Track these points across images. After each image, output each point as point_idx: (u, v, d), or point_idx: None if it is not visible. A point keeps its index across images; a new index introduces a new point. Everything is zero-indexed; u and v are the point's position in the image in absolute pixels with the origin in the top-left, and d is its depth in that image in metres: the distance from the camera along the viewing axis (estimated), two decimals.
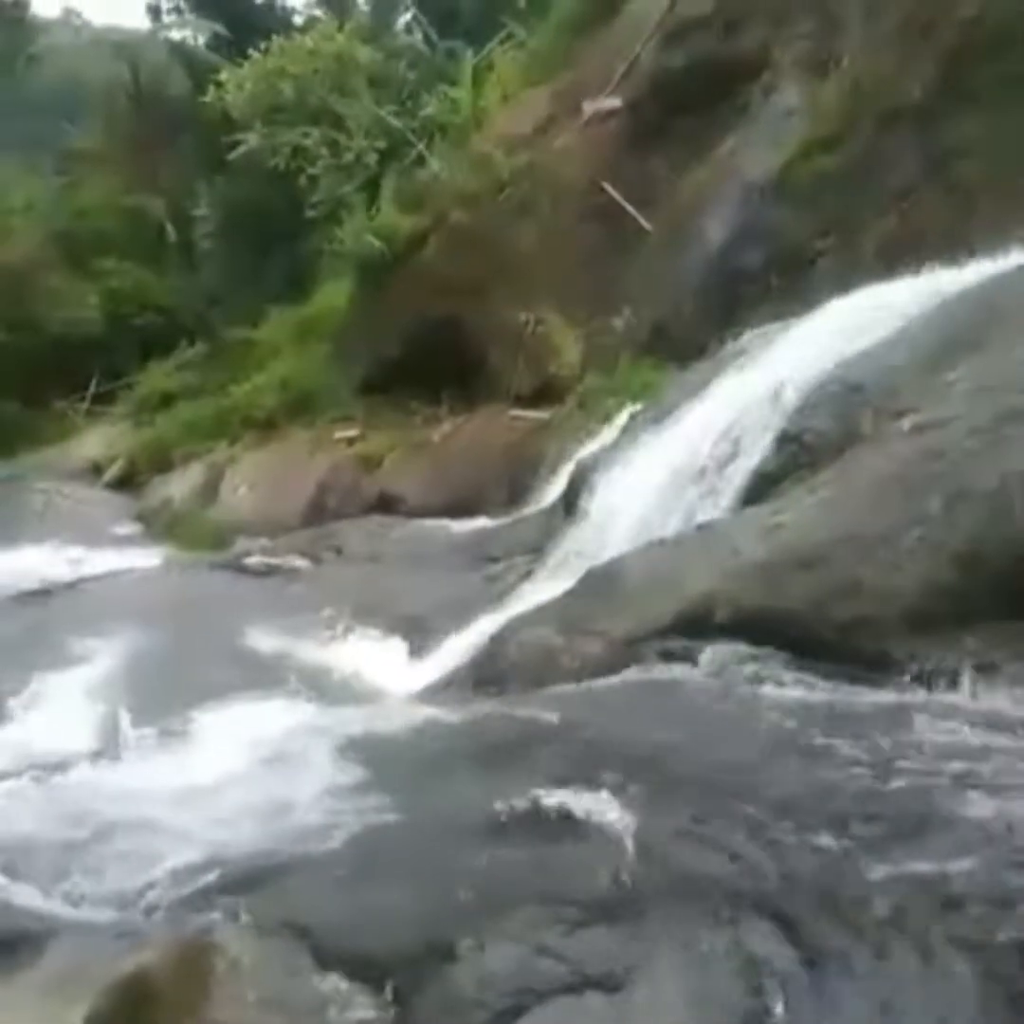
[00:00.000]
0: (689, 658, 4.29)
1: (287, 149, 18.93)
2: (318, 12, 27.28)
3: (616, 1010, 1.61)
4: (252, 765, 3.01)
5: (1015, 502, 3.74)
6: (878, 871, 1.93)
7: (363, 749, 2.76)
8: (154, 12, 31.96)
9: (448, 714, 3.20)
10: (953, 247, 7.89)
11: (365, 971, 1.83)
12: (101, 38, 34.55)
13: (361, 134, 18.46)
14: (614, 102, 14.90)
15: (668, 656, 4.34)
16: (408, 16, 27.25)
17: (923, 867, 1.94)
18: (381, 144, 18.47)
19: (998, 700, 2.85)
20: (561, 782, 2.28)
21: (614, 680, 3.98)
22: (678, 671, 3.96)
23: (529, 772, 2.43)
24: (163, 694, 5.88)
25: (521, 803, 2.21)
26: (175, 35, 32.29)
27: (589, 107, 15.24)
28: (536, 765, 2.48)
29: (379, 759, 2.69)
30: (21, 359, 28.19)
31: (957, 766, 2.29)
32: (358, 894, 2.09)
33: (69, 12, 57.65)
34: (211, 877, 2.22)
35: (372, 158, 18.44)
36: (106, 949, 2.13)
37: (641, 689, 3.68)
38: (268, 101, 19.32)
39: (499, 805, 2.22)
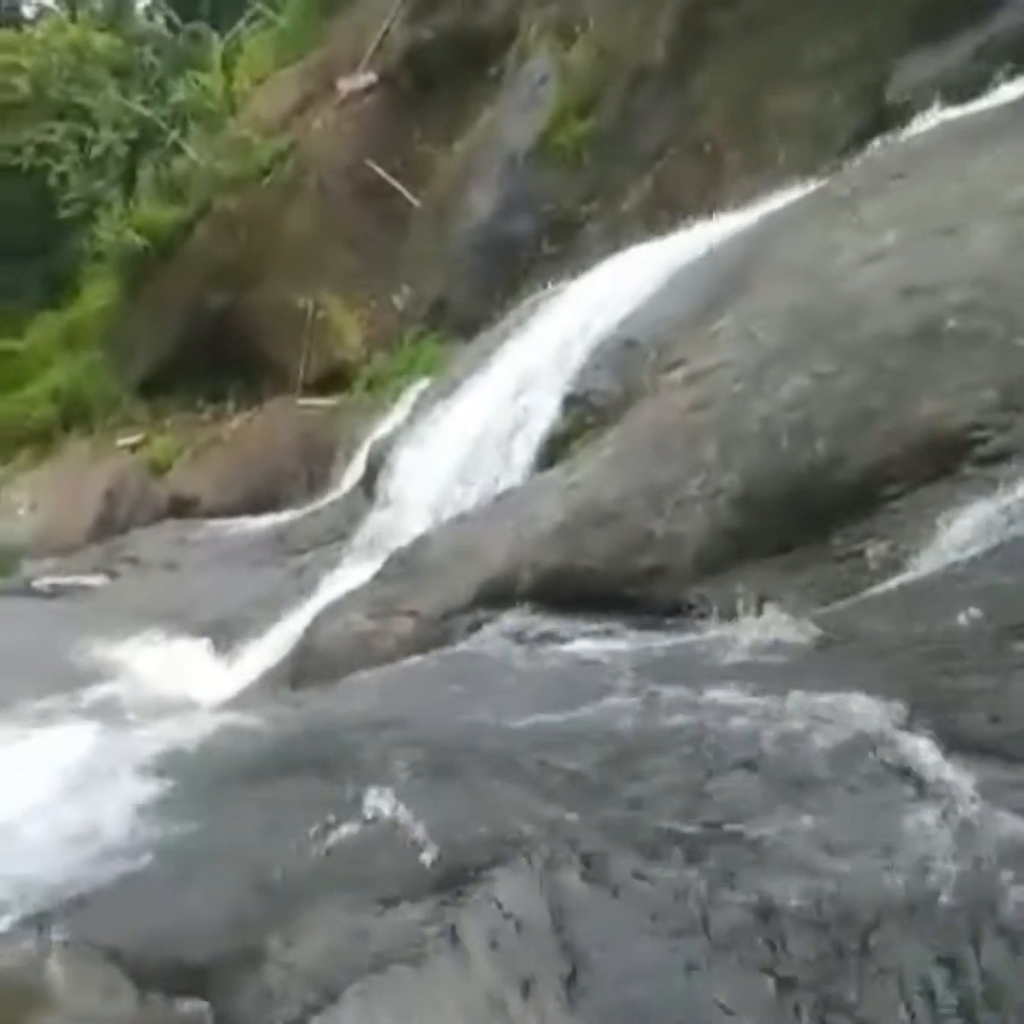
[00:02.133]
0: (499, 627, 4.35)
1: (30, 147, 17.95)
2: (48, 1, 25.86)
3: (425, 982, 1.65)
4: (56, 792, 2.88)
5: (780, 441, 3.94)
6: (671, 810, 2.01)
7: (169, 764, 2.69)
8: None
9: (252, 717, 3.15)
10: (711, 199, 8.21)
11: (182, 982, 1.82)
12: None
13: (109, 126, 17.68)
14: (369, 78, 14.78)
15: (476, 628, 4.39)
16: (147, 0, 26.20)
17: (710, 808, 2.04)
18: (132, 135, 17.74)
19: (776, 628, 3.01)
20: (370, 773, 2.29)
21: (422, 659, 4.00)
22: (484, 642, 4.00)
23: (336, 766, 2.43)
24: None
25: (330, 798, 2.20)
26: None
27: (344, 84, 15.06)
28: (344, 757, 2.47)
29: (185, 773, 2.63)
30: None
31: (731, 696, 2.42)
32: (170, 908, 2.06)
33: None
34: (20, 910, 2.13)
35: (123, 150, 17.69)
36: None
37: (446, 665, 3.72)
38: (3, 97, 18.26)
39: (309, 804, 2.21)
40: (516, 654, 3.51)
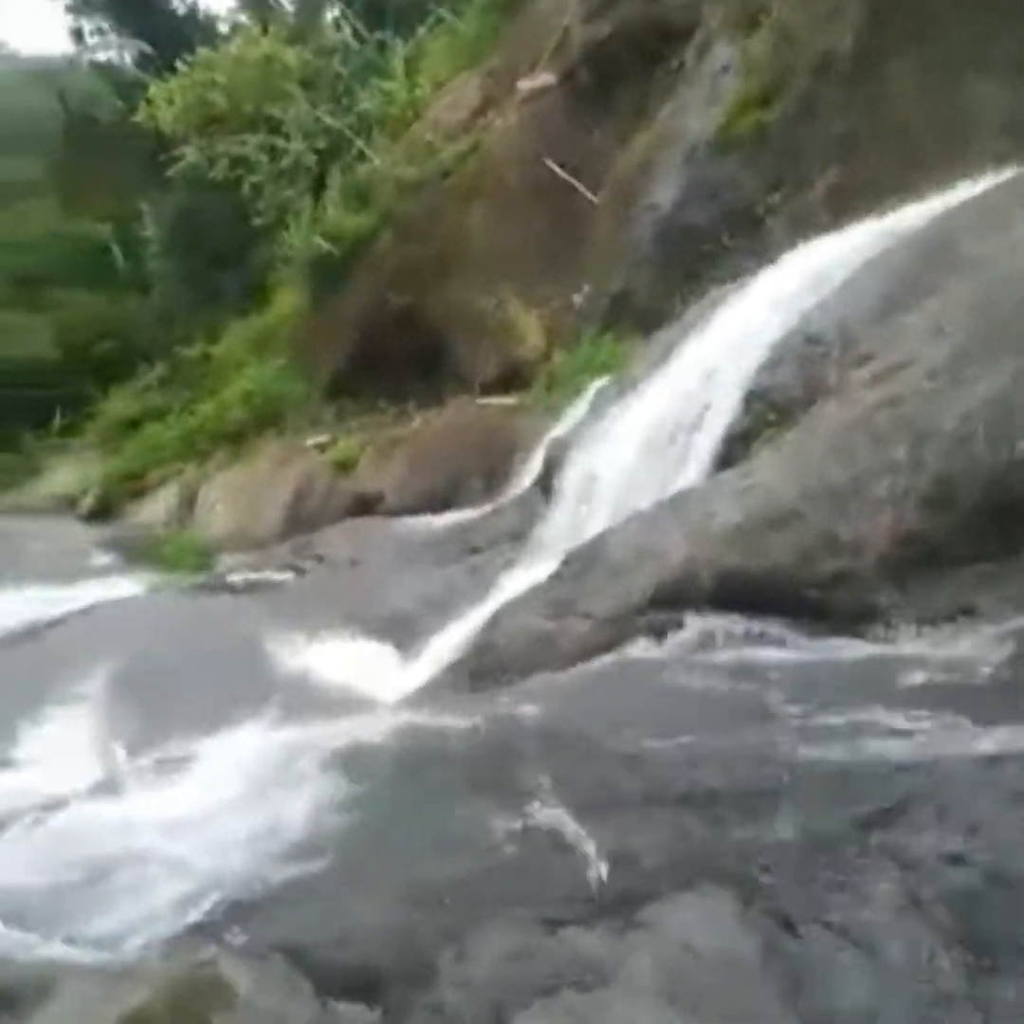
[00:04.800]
0: (675, 630, 4.28)
1: (225, 159, 18.76)
2: (241, 18, 27.03)
3: (595, 1006, 1.61)
4: (243, 789, 2.99)
5: (976, 440, 3.73)
6: (858, 846, 1.91)
7: (350, 764, 2.74)
8: (77, 35, 31.60)
9: (435, 719, 3.18)
10: (900, 190, 7.88)
11: (358, 989, 1.83)
12: (28, 67, 34.24)
13: (299, 136, 18.31)
14: (548, 78, 14.82)
15: (654, 630, 4.33)
16: (335, 12, 27.04)
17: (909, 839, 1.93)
18: (320, 144, 18.33)
19: (977, 641, 2.84)
20: (546, 787, 2.26)
21: (600, 663, 3.96)
22: (665, 646, 3.93)
23: (512, 777, 2.41)
24: (158, 723, 5.83)
25: (504, 810, 2.19)
26: (101, 57, 31.97)
27: (524, 84, 15.14)
28: (520, 769, 2.46)
29: (366, 774, 2.67)
30: None
31: (904, 724, 2.28)
32: (349, 912, 2.08)
33: None
34: (204, 906, 2.20)
35: (311, 159, 18.29)
36: (105, 991, 2.11)
37: (619, 673, 3.66)
38: (201, 113, 19.15)
39: (483, 815, 2.20)
40: (691, 662, 3.43)
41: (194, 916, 2.18)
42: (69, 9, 30.92)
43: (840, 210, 8.78)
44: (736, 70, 12.03)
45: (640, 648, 4.08)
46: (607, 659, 4.05)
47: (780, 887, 1.81)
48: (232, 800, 2.88)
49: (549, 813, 2.09)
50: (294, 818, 2.49)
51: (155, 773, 4.89)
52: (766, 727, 2.41)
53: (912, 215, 6.81)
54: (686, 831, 2.00)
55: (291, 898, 2.16)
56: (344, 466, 13.98)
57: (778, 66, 11.22)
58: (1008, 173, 6.47)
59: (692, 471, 6.77)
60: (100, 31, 31.25)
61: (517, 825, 2.09)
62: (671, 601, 4.63)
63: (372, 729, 3.18)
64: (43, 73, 36.92)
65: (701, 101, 12.45)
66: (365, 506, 13.01)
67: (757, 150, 11.26)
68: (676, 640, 3.96)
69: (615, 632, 4.88)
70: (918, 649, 2.98)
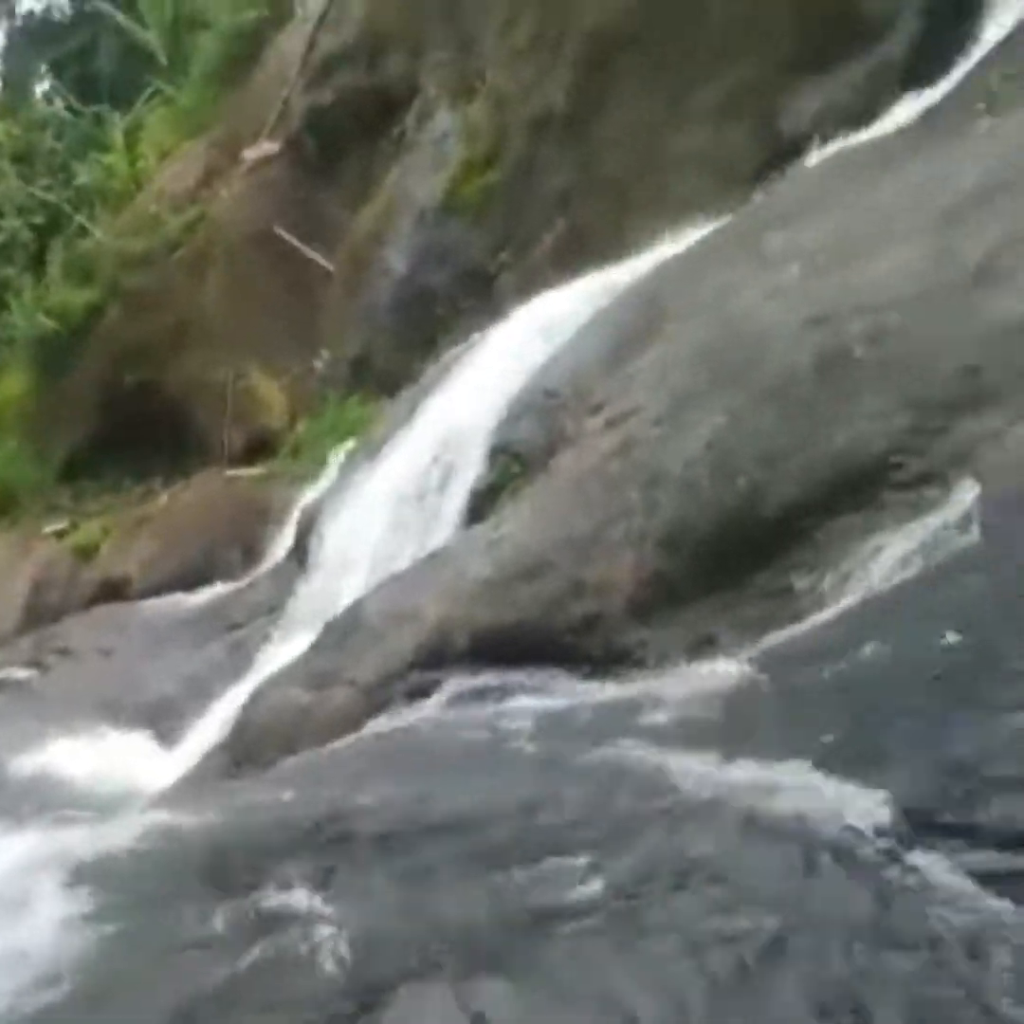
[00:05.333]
0: (435, 691, 4.27)
1: None
2: None
3: None
4: None
5: (702, 481, 3.93)
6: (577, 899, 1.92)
7: (98, 874, 2.56)
8: None
9: (188, 816, 3.02)
10: (617, 242, 8.29)
11: None
12: None
13: (14, 213, 17.50)
14: (272, 147, 14.79)
15: (412, 695, 4.30)
16: (45, 86, 26.11)
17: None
18: (37, 219, 17.58)
19: (717, 670, 2.97)
20: (289, 879, 2.19)
21: (358, 734, 3.90)
22: (422, 710, 3.91)
23: (262, 871, 2.32)
24: None
25: (249, 911, 2.11)
26: None
27: (249, 154, 15.05)
28: (271, 861, 2.37)
29: (112, 884, 2.51)
30: None
31: (657, 761, 2.36)
32: None
33: None
34: None
35: (28, 235, 17.50)
36: None
37: (383, 741, 3.62)
38: None
39: (227, 916, 2.11)
40: (449, 722, 3.42)
41: None
42: None
43: (565, 265, 9.15)
44: (457, 136, 12.39)
45: (399, 714, 4.04)
46: (367, 728, 3.99)
47: (513, 957, 1.79)
48: None
49: (296, 905, 2.02)
50: (36, 941, 2.30)
51: None
52: (511, 781, 2.43)
53: (627, 268, 7.17)
54: (428, 907, 1.97)
55: None
56: (86, 551, 13.31)
57: (496, 130, 11.63)
58: (720, 219, 6.89)
59: (443, 530, 6.83)
60: None
61: (266, 924, 2.00)
62: (432, 662, 4.63)
63: (120, 834, 2.99)
64: None
65: (426, 167, 12.74)
66: (113, 591, 12.40)
67: (483, 212, 11.62)
68: (434, 702, 3.94)
69: (378, 699, 4.82)
70: (663, 685, 3.08)
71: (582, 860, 2.07)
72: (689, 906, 1.88)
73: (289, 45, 15.50)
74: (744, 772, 2.27)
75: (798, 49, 8.00)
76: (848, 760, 2.18)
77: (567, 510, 4.68)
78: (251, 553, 11.46)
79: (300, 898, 2.05)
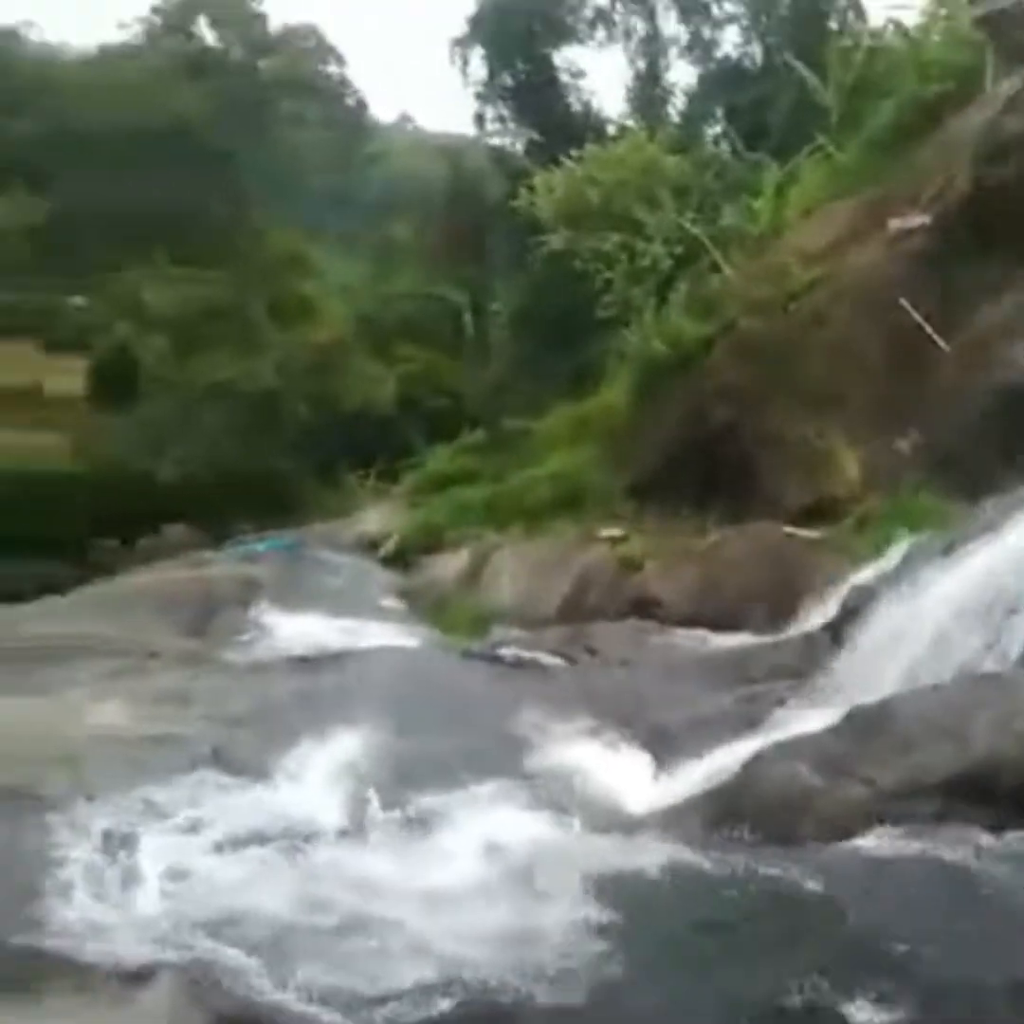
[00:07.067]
0: (971, 826, 3.92)
1: (588, 253, 19.51)
2: (630, 122, 28.26)
3: None
4: (493, 877, 2.96)
5: None
6: None
7: (606, 886, 2.65)
8: (479, 120, 34.22)
9: (698, 859, 3.03)
10: None
11: None
12: (430, 142, 37.53)
13: (660, 240, 18.78)
14: (923, 219, 14.48)
15: (943, 818, 3.98)
16: (718, 128, 27.84)
17: None
18: (678, 250, 18.72)
19: None
20: (815, 977, 2.08)
21: (881, 843, 3.67)
22: (960, 844, 3.58)
23: (780, 955, 2.24)
24: (412, 779, 5.97)
25: (769, 992, 2.03)
26: (496, 141, 34.39)
27: (895, 223, 14.87)
28: (789, 949, 2.28)
29: (622, 902, 2.57)
30: (318, 434, 30.36)
31: None
32: None
33: (404, 117, 63.39)
34: (446, 1003, 2.15)
35: (666, 264, 18.68)
36: None
37: (914, 862, 3.36)
38: (575, 205, 20.08)
39: (747, 990, 2.05)
40: (999, 876, 3.09)
41: (432, 1011, 2.13)
42: (478, 96, 33.52)
43: None
44: None
45: (925, 837, 3.74)
46: (884, 839, 3.75)
47: None
48: (481, 887, 2.85)
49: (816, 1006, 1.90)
50: (544, 930, 2.41)
51: (402, 829, 4.99)
52: None
53: None
54: None
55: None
56: (632, 564, 13.95)
57: None
58: None
59: (1004, 655, 6.33)
60: (501, 118, 33.67)
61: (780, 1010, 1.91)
62: (966, 792, 4.28)
63: (627, 852, 3.07)
64: (442, 149, 40.43)
65: None
66: (643, 608, 12.89)
67: None
68: (972, 839, 3.59)
69: (895, 808, 4.55)
70: None
71: None
72: None
73: (964, 123, 15.09)
74: None
75: None
76: None
77: None
78: (782, 612, 11.33)
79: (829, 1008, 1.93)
